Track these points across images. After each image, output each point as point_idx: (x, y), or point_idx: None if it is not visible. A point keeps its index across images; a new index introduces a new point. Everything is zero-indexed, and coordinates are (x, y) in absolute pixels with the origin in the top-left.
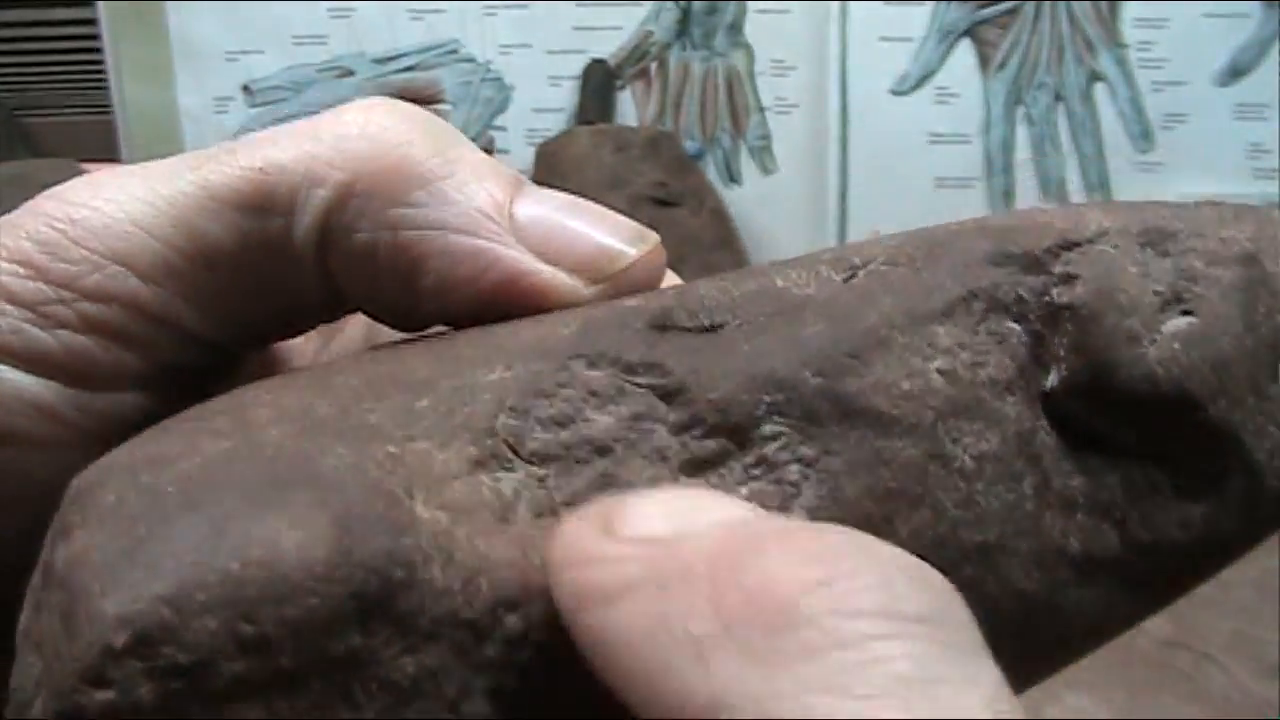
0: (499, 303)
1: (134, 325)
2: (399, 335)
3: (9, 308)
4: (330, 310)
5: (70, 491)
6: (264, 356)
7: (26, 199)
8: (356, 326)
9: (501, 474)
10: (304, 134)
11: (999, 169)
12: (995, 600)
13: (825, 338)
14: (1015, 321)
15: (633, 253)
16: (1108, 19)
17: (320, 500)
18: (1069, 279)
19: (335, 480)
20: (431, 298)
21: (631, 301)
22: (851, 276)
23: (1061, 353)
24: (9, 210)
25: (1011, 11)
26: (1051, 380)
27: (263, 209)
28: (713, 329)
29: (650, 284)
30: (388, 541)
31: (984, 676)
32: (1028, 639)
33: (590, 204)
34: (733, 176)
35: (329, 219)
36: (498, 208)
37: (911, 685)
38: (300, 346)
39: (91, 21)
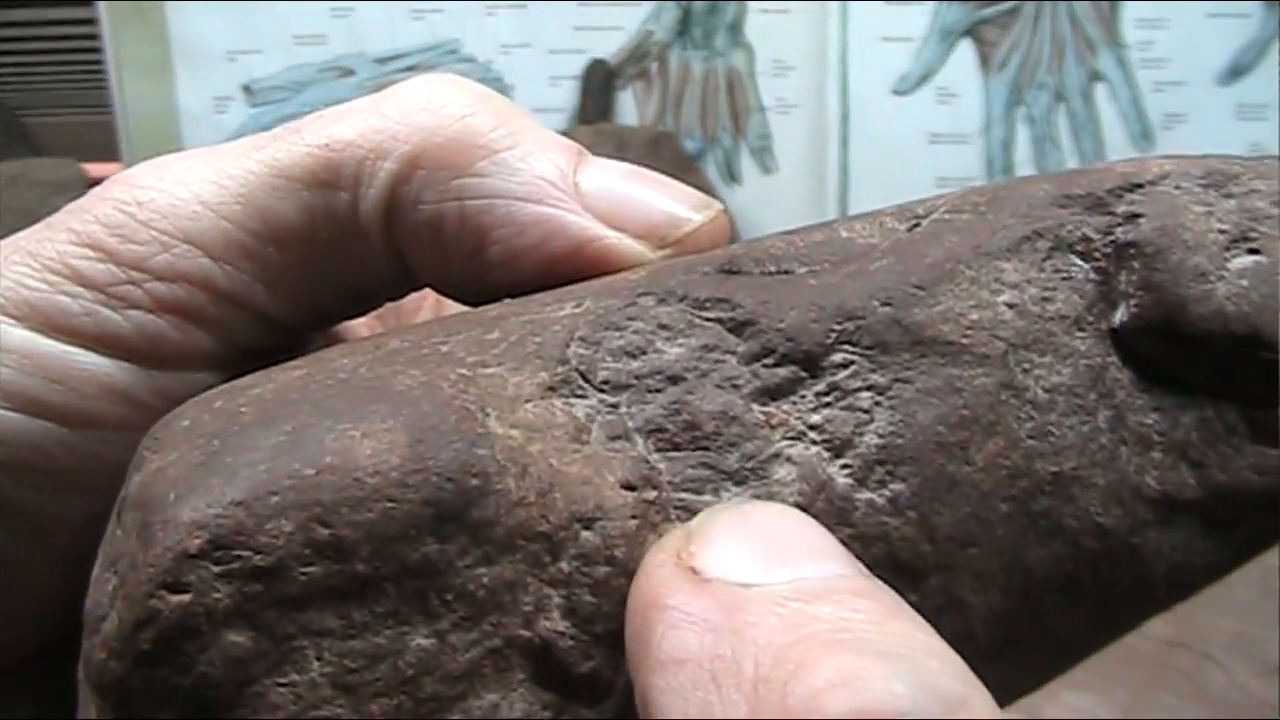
0: (566, 269)
1: (205, 304)
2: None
3: (81, 290)
4: (397, 286)
5: (144, 440)
6: (329, 336)
7: (26, 198)
8: (425, 317)
9: (574, 400)
10: (368, 110)
11: (999, 169)
12: (1076, 534)
13: (892, 271)
14: (1082, 259)
15: (698, 219)
16: (1108, 19)
17: (394, 412)
18: (1133, 218)
19: (409, 396)
20: (499, 267)
21: (695, 256)
22: (915, 225)
23: (1129, 290)
24: (10, 209)
25: (1012, 11)
26: (1120, 316)
27: (329, 185)
28: (782, 273)
29: (715, 246)
30: (463, 451)
31: None
32: (1108, 579)
33: (654, 173)
34: (733, 176)
35: (395, 192)
36: (562, 176)
37: None
38: (365, 333)
39: (91, 21)
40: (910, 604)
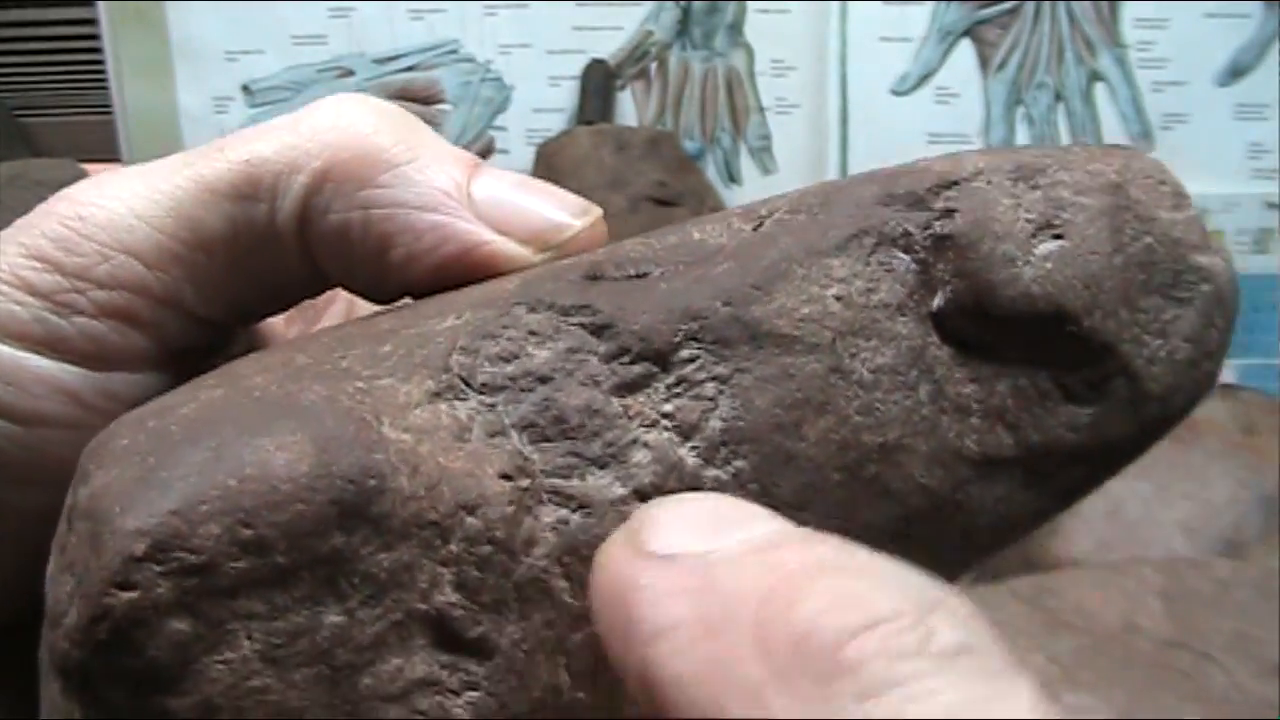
0: (458, 271)
1: (142, 309)
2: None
3: (30, 299)
4: (312, 286)
5: (84, 453)
6: (250, 333)
7: (26, 199)
8: (336, 312)
9: (457, 403)
10: (284, 128)
11: None
12: (903, 495)
13: (733, 273)
14: (904, 252)
15: (577, 224)
16: (1108, 19)
17: (301, 426)
18: (949, 213)
19: (314, 410)
20: (399, 270)
21: (567, 261)
22: (759, 226)
23: (946, 277)
24: (10, 209)
25: (1011, 11)
26: (938, 301)
27: (250, 197)
28: (638, 277)
29: (591, 250)
30: (361, 456)
31: (1022, 688)
32: (937, 532)
33: (540, 182)
34: (733, 176)
35: (307, 203)
36: (457, 187)
37: (963, 709)
38: (282, 327)
39: (91, 21)
40: None
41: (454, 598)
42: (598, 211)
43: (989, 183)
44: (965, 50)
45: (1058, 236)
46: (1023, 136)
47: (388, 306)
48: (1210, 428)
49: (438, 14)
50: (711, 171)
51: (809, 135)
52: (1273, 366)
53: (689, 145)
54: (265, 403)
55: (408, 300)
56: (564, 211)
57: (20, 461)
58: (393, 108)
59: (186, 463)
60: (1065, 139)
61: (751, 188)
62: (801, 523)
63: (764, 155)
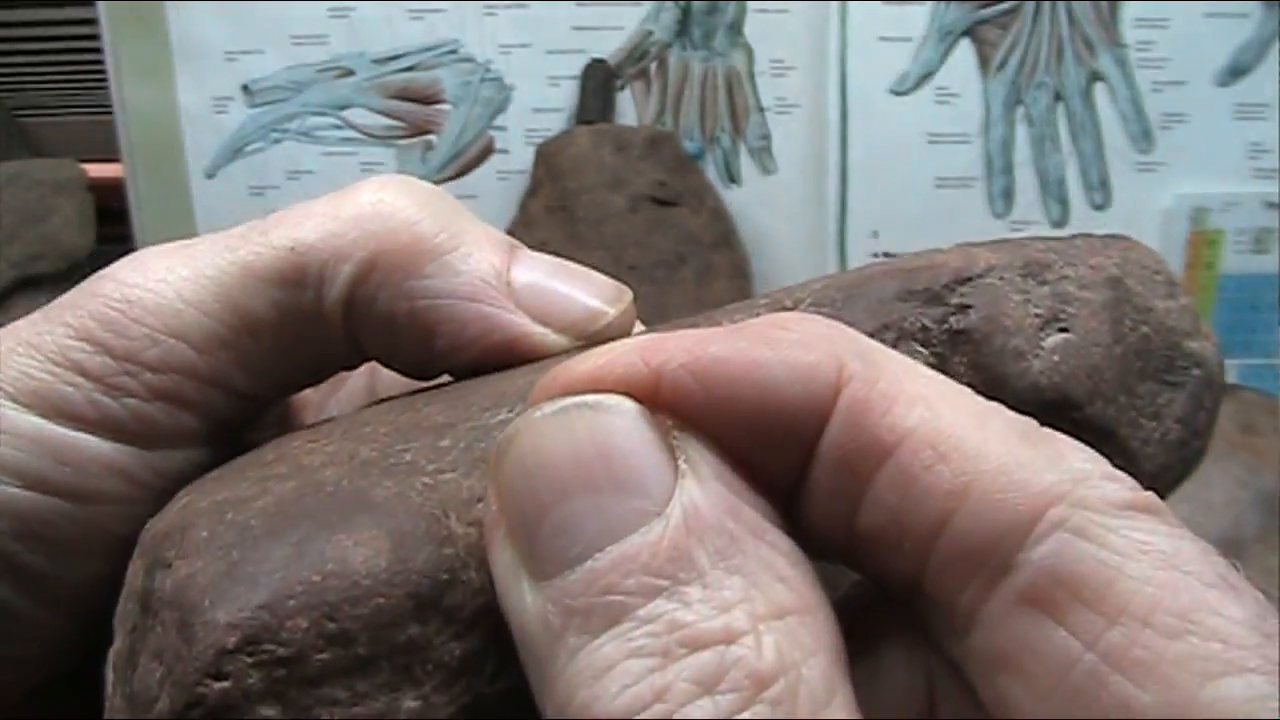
0: (500, 358)
1: (190, 390)
2: (400, 380)
3: (82, 380)
4: (352, 361)
5: (152, 534)
6: (287, 403)
7: (26, 198)
8: (359, 374)
9: None
10: (326, 214)
11: (999, 169)
12: None
13: None
14: (923, 346)
15: (611, 312)
16: (1108, 19)
17: (377, 522)
18: (964, 309)
19: (387, 507)
20: (443, 356)
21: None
22: None
23: (962, 369)
24: (9, 210)
25: (1011, 11)
26: None
27: (296, 284)
28: None
29: (623, 334)
30: (433, 551)
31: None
32: None
33: (575, 266)
34: (732, 176)
35: (354, 291)
36: (498, 275)
37: None
38: (310, 392)
39: (91, 21)
40: None
41: (516, 681)
42: (629, 295)
43: (1001, 279)
44: (965, 50)
45: (1064, 330)
46: (1022, 136)
47: (427, 385)
48: None
49: (438, 14)
50: (711, 171)
51: (809, 135)
52: (1272, 366)
53: (689, 145)
54: (339, 498)
55: (447, 378)
56: (599, 299)
57: (74, 535)
58: (431, 190)
59: (271, 558)
60: (1065, 139)
61: (751, 187)
62: None
63: (764, 155)
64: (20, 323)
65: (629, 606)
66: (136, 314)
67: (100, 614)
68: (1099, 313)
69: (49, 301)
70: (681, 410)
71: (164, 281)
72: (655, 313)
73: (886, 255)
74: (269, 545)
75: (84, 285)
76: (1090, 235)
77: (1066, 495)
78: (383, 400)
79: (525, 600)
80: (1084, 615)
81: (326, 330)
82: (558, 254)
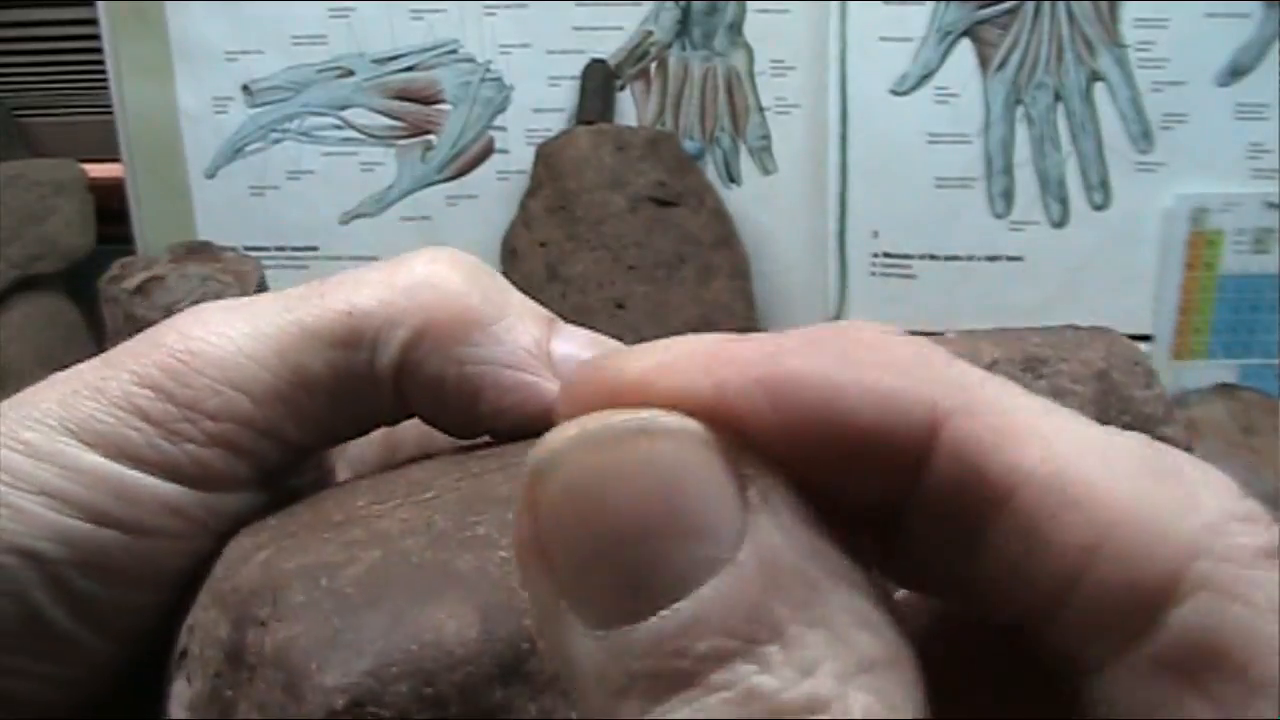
0: (539, 424)
1: (246, 439)
2: (416, 431)
3: (145, 425)
4: (397, 417)
5: (232, 587)
6: (332, 452)
7: (26, 199)
8: (410, 427)
9: None
10: (381, 282)
11: (999, 169)
12: None
13: None
14: None
15: None
16: (1108, 19)
17: (465, 596)
18: None
19: (471, 580)
20: (486, 418)
21: None
22: None
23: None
24: (9, 210)
25: (1011, 11)
26: None
27: (351, 345)
28: None
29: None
30: (515, 623)
31: None
32: None
33: (608, 340)
34: (732, 177)
35: (405, 354)
36: (538, 345)
37: None
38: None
39: (91, 21)
40: None
41: None
42: None
43: (1005, 373)
44: (965, 50)
45: None
46: (1022, 136)
47: (466, 443)
48: (1210, 428)
49: (437, 14)
50: (711, 171)
51: (809, 135)
52: (1272, 366)
53: (689, 145)
54: (426, 571)
55: (488, 438)
56: None
57: (129, 567)
58: (478, 264)
59: (371, 627)
60: (1065, 139)
61: (751, 187)
62: None
63: (764, 155)
64: (83, 366)
65: (701, 672)
66: (199, 365)
67: (146, 641)
68: (1088, 406)
69: (49, 301)
70: (749, 431)
71: (226, 336)
72: (655, 313)
73: (887, 255)
74: (368, 615)
75: (147, 334)
76: (1078, 327)
77: (1207, 548)
78: (429, 457)
79: (577, 647)
80: (1227, 686)
81: (377, 389)
82: (558, 254)
